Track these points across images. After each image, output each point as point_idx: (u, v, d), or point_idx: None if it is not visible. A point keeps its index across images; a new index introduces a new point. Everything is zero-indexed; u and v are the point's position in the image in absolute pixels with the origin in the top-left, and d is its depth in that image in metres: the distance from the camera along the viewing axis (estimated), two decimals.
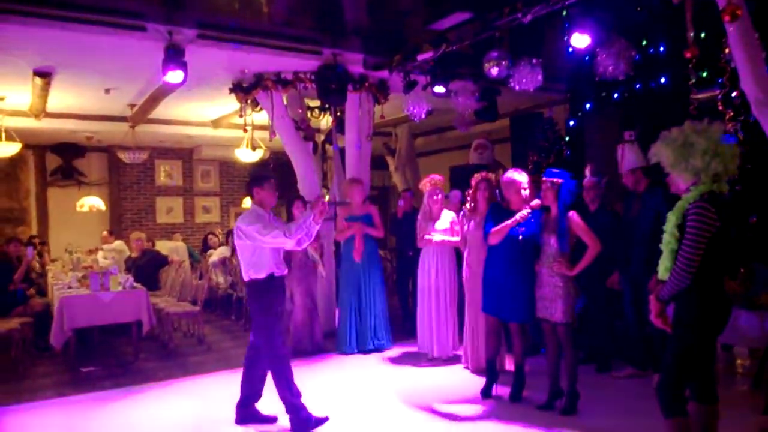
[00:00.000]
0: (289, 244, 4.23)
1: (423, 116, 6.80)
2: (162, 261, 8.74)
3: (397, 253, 8.00)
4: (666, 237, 3.04)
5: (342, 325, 6.54)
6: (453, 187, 7.39)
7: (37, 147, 10.76)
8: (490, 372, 4.93)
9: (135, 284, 6.67)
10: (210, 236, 10.52)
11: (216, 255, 9.37)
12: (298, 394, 4.42)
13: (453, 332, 5.91)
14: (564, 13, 4.95)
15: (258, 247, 4.24)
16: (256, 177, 4.51)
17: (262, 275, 4.27)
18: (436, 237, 5.87)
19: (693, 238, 2.88)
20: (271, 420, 4.51)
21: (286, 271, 4.47)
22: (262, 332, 4.35)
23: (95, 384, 5.61)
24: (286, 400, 4.32)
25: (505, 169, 8.90)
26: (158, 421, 4.66)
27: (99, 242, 10.21)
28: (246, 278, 4.37)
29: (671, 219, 3.03)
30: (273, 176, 4.53)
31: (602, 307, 5.54)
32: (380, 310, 6.53)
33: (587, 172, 5.68)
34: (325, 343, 6.65)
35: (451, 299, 5.90)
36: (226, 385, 5.50)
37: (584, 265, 4.29)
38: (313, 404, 4.46)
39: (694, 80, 5.66)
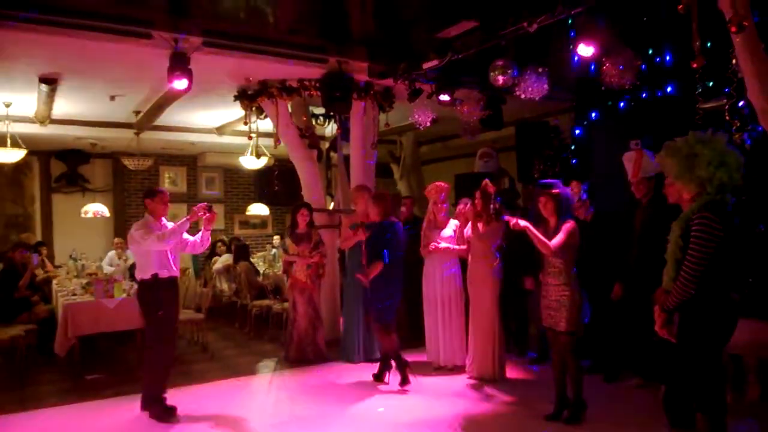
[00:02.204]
0: (166, 246, 4.77)
1: (428, 124, 6.80)
2: None
3: None
4: (670, 247, 3.03)
5: (348, 335, 6.50)
6: (458, 195, 7.37)
7: (41, 153, 10.78)
8: (384, 360, 5.67)
9: None
10: (218, 243, 10.51)
11: (220, 262, 9.37)
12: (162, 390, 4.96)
13: (460, 341, 5.88)
14: (570, 22, 4.95)
15: (144, 250, 4.81)
16: (148, 191, 5.19)
17: (147, 275, 4.85)
18: (441, 245, 5.86)
19: (698, 248, 2.87)
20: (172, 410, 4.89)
21: (176, 273, 4.98)
22: (148, 329, 4.93)
23: (99, 391, 5.60)
24: (149, 391, 4.91)
25: (511, 178, 9.01)
26: (161, 428, 4.64)
27: (105, 249, 10.24)
28: (137, 278, 4.97)
29: (675, 229, 3.02)
30: (164, 190, 5.17)
31: (609, 317, 5.51)
32: None
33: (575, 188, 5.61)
34: (329, 351, 6.62)
35: (457, 308, 5.87)
36: (231, 393, 5.50)
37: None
38: (311, 410, 4.42)
39: (700, 90, 5.64)
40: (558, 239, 4.26)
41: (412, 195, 9.57)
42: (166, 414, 4.80)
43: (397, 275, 5.54)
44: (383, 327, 5.51)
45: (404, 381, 5.45)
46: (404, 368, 5.47)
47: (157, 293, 4.84)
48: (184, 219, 4.81)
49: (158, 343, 4.88)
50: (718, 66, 5.25)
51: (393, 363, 5.58)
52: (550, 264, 4.39)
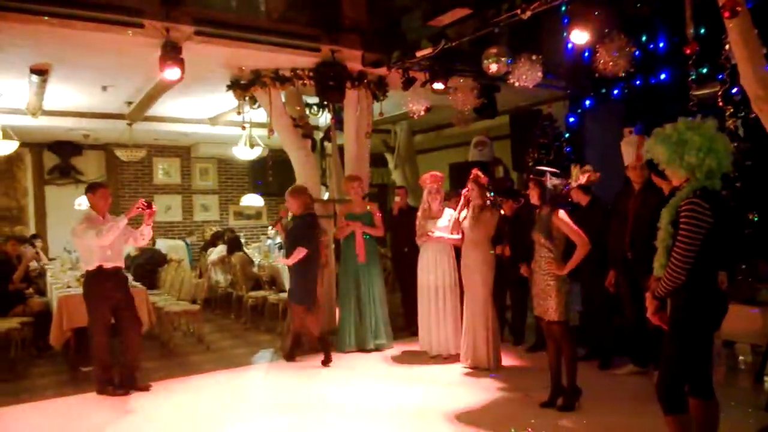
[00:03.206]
0: (103, 242, 5.00)
1: (422, 113, 6.77)
2: (161, 259, 8.70)
3: (393, 251, 7.97)
4: (660, 234, 3.03)
5: (342, 324, 6.52)
6: (453, 184, 7.37)
7: (34, 145, 10.71)
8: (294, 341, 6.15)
9: (134, 283, 6.64)
10: (217, 235, 10.48)
11: (215, 253, 9.35)
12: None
13: (454, 330, 5.89)
14: (563, 9, 4.93)
15: (87, 244, 5.03)
16: (89, 185, 5.41)
17: (92, 267, 5.09)
18: (436, 234, 5.87)
19: (687, 234, 2.88)
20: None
21: (120, 264, 5.24)
22: (91, 319, 5.17)
23: (94, 383, 5.57)
24: (98, 376, 5.20)
25: (505, 166, 9.01)
26: (158, 420, 4.64)
27: None
28: (84, 270, 5.22)
29: (665, 216, 3.03)
30: (105, 185, 5.47)
31: (603, 304, 5.54)
32: (380, 309, 6.50)
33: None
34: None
35: (452, 297, 5.88)
36: (226, 385, 5.51)
37: (573, 264, 4.28)
38: (309, 400, 4.43)
39: (693, 76, 5.64)
40: (578, 230, 4.27)
41: (406, 184, 9.56)
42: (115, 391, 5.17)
43: (315, 262, 6.04)
44: (305, 309, 5.91)
45: (327, 360, 5.91)
46: (328, 348, 5.95)
47: (102, 284, 5.09)
48: (123, 215, 5.11)
49: (102, 334, 5.14)
50: (712, 52, 5.24)
51: (318, 343, 6.04)
52: (539, 252, 4.40)
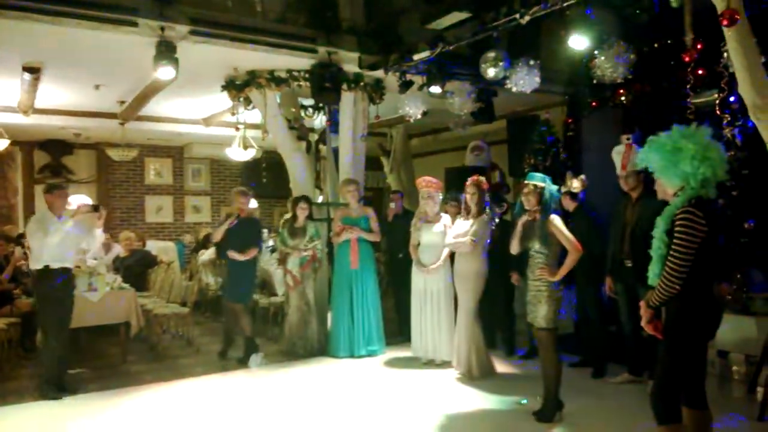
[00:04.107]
0: (49, 242, 5.06)
1: (419, 117, 6.73)
2: (151, 261, 8.61)
3: (388, 256, 7.91)
4: (655, 243, 3.02)
5: (335, 330, 6.46)
6: (448, 188, 7.32)
7: (25, 144, 10.61)
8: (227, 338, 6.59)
9: (123, 285, 6.56)
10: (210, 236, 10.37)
11: (206, 255, 9.25)
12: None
13: (447, 336, 5.83)
14: (563, 14, 4.90)
15: (38, 243, 5.10)
16: (48, 186, 5.50)
17: (39, 266, 5.14)
18: (429, 239, 5.82)
19: (682, 244, 2.85)
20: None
21: (68, 264, 5.27)
22: (41, 318, 5.28)
23: (82, 386, 5.49)
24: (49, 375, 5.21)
25: (501, 171, 8.97)
26: (146, 424, 4.56)
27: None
28: (32, 268, 5.28)
29: (660, 225, 3.01)
30: (64, 187, 5.52)
31: (596, 312, 5.50)
32: (373, 315, 6.45)
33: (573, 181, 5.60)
34: (320, 346, 6.56)
35: (446, 302, 5.83)
36: (216, 388, 5.43)
37: (565, 270, 4.25)
38: (299, 405, 4.38)
39: (692, 84, 5.62)
40: (571, 236, 4.24)
41: (402, 188, 9.50)
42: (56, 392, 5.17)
43: (257, 264, 6.69)
44: (243, 307, 6.34)
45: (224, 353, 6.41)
46: (253, 349, 6.29)
47: (49, 283, 5.16)
48: (70, 219, 5.23)
49: (53, 333, 5.20)
50: (711, 60, 5.22)
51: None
52: (533, 258, 4.36)
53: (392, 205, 7.56)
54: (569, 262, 4.23)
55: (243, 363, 6.21)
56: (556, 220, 4.27)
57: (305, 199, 6.57)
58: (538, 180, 4.35)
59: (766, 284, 5.19)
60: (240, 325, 6.41)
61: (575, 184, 5.52)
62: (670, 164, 2.96)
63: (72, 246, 5.36)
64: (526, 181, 4.42)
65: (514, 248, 4.48)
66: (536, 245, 4.31)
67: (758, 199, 5.29)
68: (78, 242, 5.47)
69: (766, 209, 5.28)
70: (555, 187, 4.40)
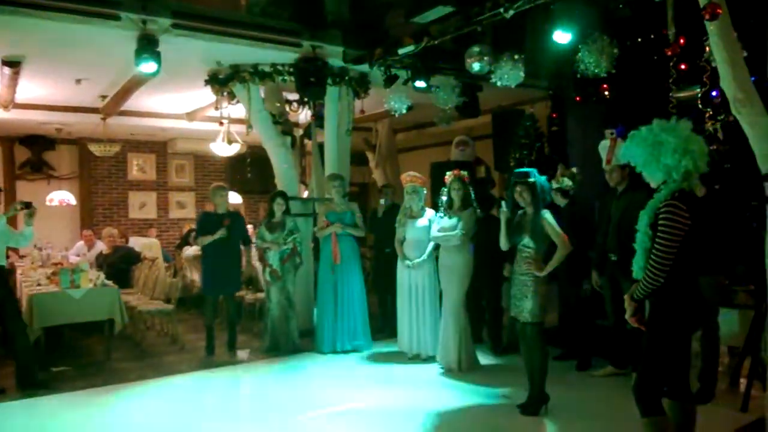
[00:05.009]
0: None
1: (404, 111, 6.72)
2: (134, 257, 8.53)
3: (375, 251, 7.90)
4: (639, 236, 3.02)
5: (319, 325, 6.44)
6: (434, 183, 7.32)
7: (5, 139, 10.46)
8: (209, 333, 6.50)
9: (106, 281, 6.49)
10: (192, 232, 10.29)
11: (191, 251, 9.18)
12: None
13: (432, 330, 5.83)
14: (547, 9, 4.91)
15: None
16: None
17: None
18: (414, 234, 5.81)
19: (665, 237, 2.87)
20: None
21: (2, 263, 5.34)
22: None
23: (66, 384, 5.43)
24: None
25: (487, 166, 8.99)
26: (131, 422, 4.51)
27: (71, 238, 9.97)
28: None
29: (643, 218, 3.02)
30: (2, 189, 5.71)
31: (580, 306, 5.53)
32: (359, 310, 6.42)
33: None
34: (302, 342, 6.54)
35: (431, 297, 5.83)
36: (201, 386, 5.40)
37: (554, 265, 4.26)
38: (285, 401, 4.37)
39: (674, 78, 5.66)
40: (562, 236, 4.23)
41: (388, 183, 9.49)
42: None
43: (237, 257, 6.85)
44: (230, 299, 6.61)
45: (212, 351, 6.42)
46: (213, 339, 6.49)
47: None
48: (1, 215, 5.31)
49: None
50: (693, 54, 5.26)
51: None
52: (520, 252, 4.36)
53: (382, 201, 7.51)
54: (558, 257, 4.24)
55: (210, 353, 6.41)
56: (546, 214, 4.29)
57: (281, 194, 6.52)
58: (527, 175, 4.35)
59: (748, 277, 5.25)
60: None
61: (568, 183, 5.53)
62: (652, 158, 2.97)
63: (3, 243, 5.36)
64: (518, 178, 4.39)
65: (504, 244, 4.48)
66: (525, 239, 4.32)
67: (739, 193, 5.34)
68: (5, 240, 5.42)
69: (747, 202, 5.33)
70: (543, 178, 4.40)
